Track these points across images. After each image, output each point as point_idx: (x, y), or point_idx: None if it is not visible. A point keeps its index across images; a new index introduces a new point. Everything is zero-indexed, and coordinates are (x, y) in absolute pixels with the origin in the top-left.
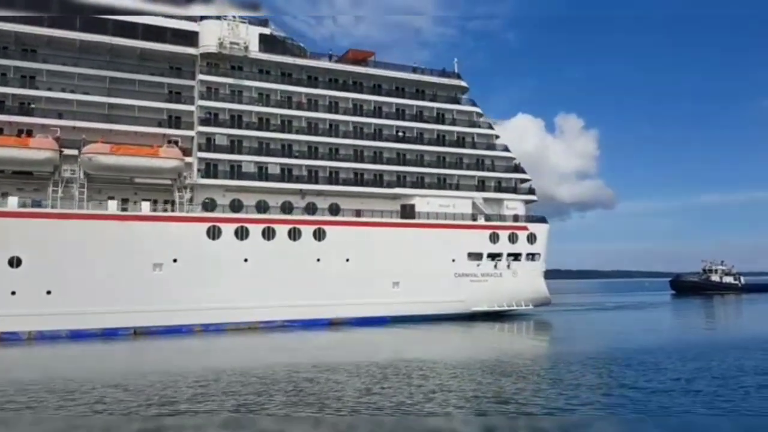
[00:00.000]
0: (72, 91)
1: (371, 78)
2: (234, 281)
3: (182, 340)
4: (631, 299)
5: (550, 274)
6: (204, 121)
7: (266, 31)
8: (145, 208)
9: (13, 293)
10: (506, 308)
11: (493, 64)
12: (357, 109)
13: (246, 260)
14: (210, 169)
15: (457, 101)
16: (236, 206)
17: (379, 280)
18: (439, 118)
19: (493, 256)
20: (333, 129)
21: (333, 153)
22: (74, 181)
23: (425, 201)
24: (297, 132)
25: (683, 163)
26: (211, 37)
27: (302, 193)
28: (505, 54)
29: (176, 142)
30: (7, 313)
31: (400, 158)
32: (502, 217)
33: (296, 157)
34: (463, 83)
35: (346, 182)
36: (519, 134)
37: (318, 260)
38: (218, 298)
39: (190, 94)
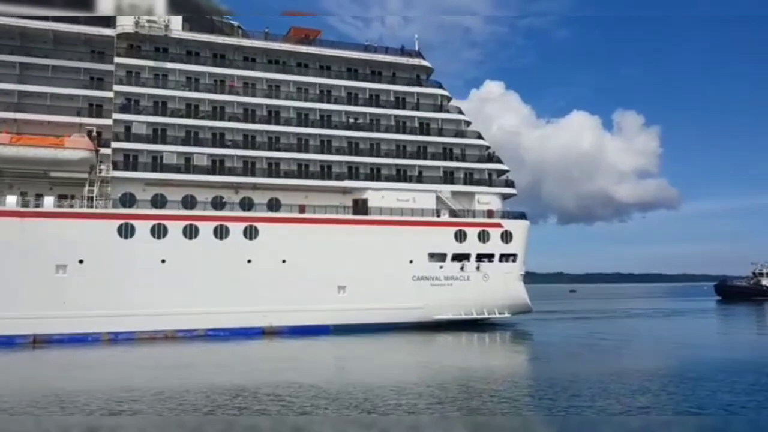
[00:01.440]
0: None
1: (318, 58)
2: (149, 284)
3: (79, 350)
4: (670, 305)
5: (611, 278)
6: (123, 108)
7: None
8: (48, 203)
9: None
10: (475, 316)
11: (545, 61)
12: (301, 93)
13: (164, 261)
14: (129, 161)
15: (420, 84)
16: (159, 202)
17: (320, 283)
18: (399, 102)
19: (460, 257)
20: (273, 115)
21: (273, 142)
22: None
23: (379, 195)
24: (230, 119)
25: (753, 161)
26: (127, 16)
27: (235, 188)
28: (558, 51)
29: (99, 133)
30: None
31: (352, 148)
32: (473, 214)
33: (229, 147)
34: (425, 63)
35: (287, 175)
36: (574, 133)
37: (249, 261)
38: (130, 303)
39: (111, 79)
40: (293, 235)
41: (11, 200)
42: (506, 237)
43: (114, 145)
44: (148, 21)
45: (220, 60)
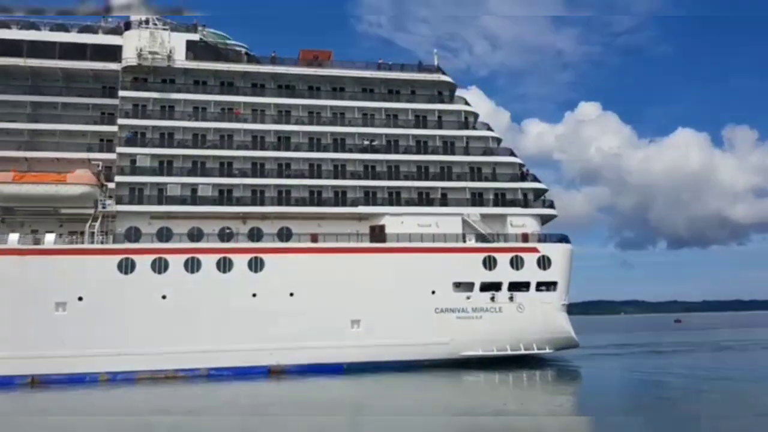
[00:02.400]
0: None
1: (329, 80)
2: (149, 322)
3: (73, 391)
4: (760, 336)
5: (731, 305)
6: (128, 142)
7: (194, 37)
8: (49, 240)
9: None
10: (510, 353)
11: (644, 79)
12: (313, 116)
13: (164, 297)
14: (135, 195)
15: (442, 101)
16: (164, 235)
17: (332, 318)
18: (419, 121)
19: (490, 287)
20: (282, 141)
21: (283, 169)
22: None
23: (398, 220)
24: (238, 147)
25: None
26: (131, 48)
27: (243, 218)
28: (657, 67)
29: (108, 167)
30: None
31: (368, 171)
32: (504, 238)
33: (236, 176)
34: (446, 78)
35: (298, 202)
36: (680, 152)
37: (254, 295)
38: (129, 341)
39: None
40: (301, 266)
41: (13, 238)
42: (544, 263)
43: (117, 179)
44: (151, 52)
45: (228, 88)
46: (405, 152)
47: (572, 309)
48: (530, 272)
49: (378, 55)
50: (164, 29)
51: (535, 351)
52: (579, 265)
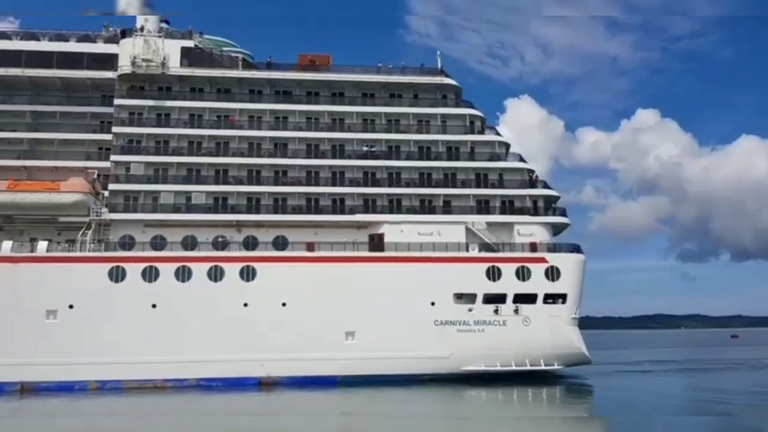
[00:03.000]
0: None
1: (328, 85)
2: (138, 330)
3: (60, 399)
4: None
5: None
6: (122, 150)
7: (189, 43)
8: (41, 248)
9: None
10: (515, 368)
11: (705, 85)
12: (311, 122)
13: (154, 306)
14: (130, 203)
15: (446, 105)
16: (158, 244)
17: (325, 329)
18: (422, 126)
19: (494, 299)
20: (279, 148)
21: (279, 176)
22: None
23: (398, 228)
24: (234, 154)
25: None
26: (126, 57)
27: (238, 226)
28: (720, 73)
29: (106, 176)
30: None
31: (368, 178)
32: (511, 247)
33: (231, 184)
34: (450, 81)
35: (295, 210)
36: (744, 160)
37: (245, 305)
38: (118, 350)
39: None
40: (294, 275)
41: (6, 246)
42: (552, 274)
43: (111, 186)
44: (144, 60)
45: (225, 95)
46: (407, 158)
47: (630, 323)
48: (537, 284)
49: (427, 66)
50: (159, 36)
51: (542, 367)
52: (636, 278)
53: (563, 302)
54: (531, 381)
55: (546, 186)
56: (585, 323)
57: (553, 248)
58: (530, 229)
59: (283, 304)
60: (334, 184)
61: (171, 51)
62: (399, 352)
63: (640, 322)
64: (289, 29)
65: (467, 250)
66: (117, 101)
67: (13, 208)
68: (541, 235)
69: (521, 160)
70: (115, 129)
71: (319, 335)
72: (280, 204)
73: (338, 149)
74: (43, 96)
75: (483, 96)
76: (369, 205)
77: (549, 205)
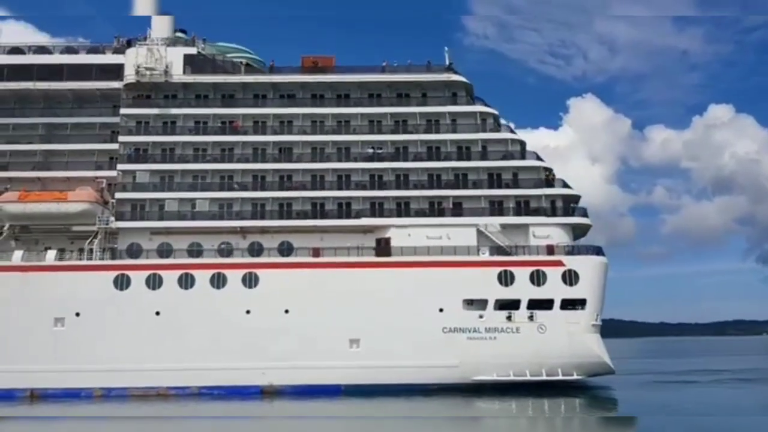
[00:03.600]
0: (16, 142)
1: (333, 87)
2: (142, 338)
3: (64, 406)
4: None
5: None
6: (128, 158)
7: (192, 50)
8: (50, 257)
9: None
10: (529, 378)
11: None
12: (316, 126)
13: (158, 313)
14: (137, 211)
15: (456, 103)
16: (165, 251)
17: (329, 336)
18: (431, 126)
19: (507, 305)
20: (284, 153)
21: (284, 181)
22: None
23: (405, 232)
24: (238, 160)
25: None
26: (131, 66)
27: (242, 232)
28: None
29: (115, 184)
30: None
31: (375, 181)
32: (527, 250)
33: (235, 190)
34: (459, 78)
35: (300, 215)
36: None
37: (247, 312)
38: (123, 357)
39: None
40: (297, 281)
41: (17, 255)
42: (570, 278)
43: (117, 195)
44: (147, 68)
45: (229, 100)
46: (415, 159)
47: (707, 330)
48: (554, 288)
49: (486, 67)
50: (161, 45)
51: (560, 377)
52: (713, 282)
53: (582, 308)
54: (550, 392)
55: (565, 185)
56: (660, 330)
57: (572, 250)
58: (546, 231)
59: (286, 311)
60: (339, 188)
61: (174, 59)
62: (405, 360)
63: (718, 328)
64: (336, 33)
65: (477, 254)
66: (123, 110)
67: (24, 218)
68: (559, 237)
69: (537, 158)
70: (121, 138)
71: (322, 343)
72: (285, 209)
73: (344, 152)
74: (55, 108)
75: (545, 96)
76: (376, 208)
77: (568, 206)
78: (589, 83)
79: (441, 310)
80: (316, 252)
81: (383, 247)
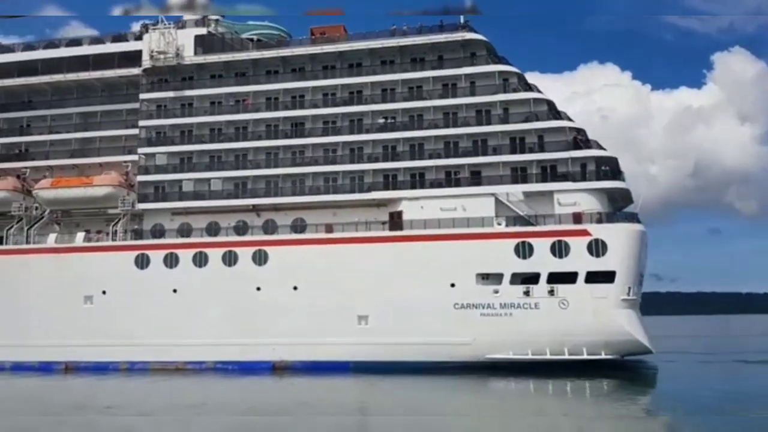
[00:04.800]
0: (55, 132)
1: (343, 57)
2: (161, 314)
3: (89, 378)
4: None
5: None
6: (149, 142)
7: (202, 31)
8: (79, 239)
9: None
10: (549, 357)
11: None
12: (328, 98)
13: (175, 291)
14: (159, 193)
15: (474, 63)
16: (185, 231)
17: (337, 312)
18: (447, 90)
19: (524, 279)
20: (296, 128)
21: (296, 157)
22: (28, 218)
23: (417, 205)
24: (252, 138)
25: None
26: (147, 51)
27: (257, 210)
28: None
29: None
30: None
31: (388, 152)
32: (554, 219)
33: (248, 168)
34: (475, 36)
35: (312, 191)
36: None
37: (258, 289)
38: (144, 333)
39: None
40: (305, 258)
41: (51, 238)
42: (596, 248)
43: (139, 178)
44: (159, 52)
45: (241, 78)
46: (429, 127)
47: None
48: (578, 260)
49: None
50: (172, 28)
51: (585, 356)
52: None
53: (610, 281)
54: (578, 372)
55: (598, 146)
56: None
57: (600, 218)
58: (573, 198)
59: (294, 288)
60: (352, 162)
61: (185, 41)
62: (415, 337)
63: None
64: None
65: (493, 225)
66: (142, 95)
67: (57, 203)
68: (588, 205)
69: (566, 118)
70: (141, 122)
71: (329, 319)
72: (297, 186)
73: (356, 124)
74: (89, 97)
75: (685, 53)
76: (389, 181)
77: (602, 169)
78: (737, 35)
79: (453, 285)
80: (329, 228)
81: (395, 221)
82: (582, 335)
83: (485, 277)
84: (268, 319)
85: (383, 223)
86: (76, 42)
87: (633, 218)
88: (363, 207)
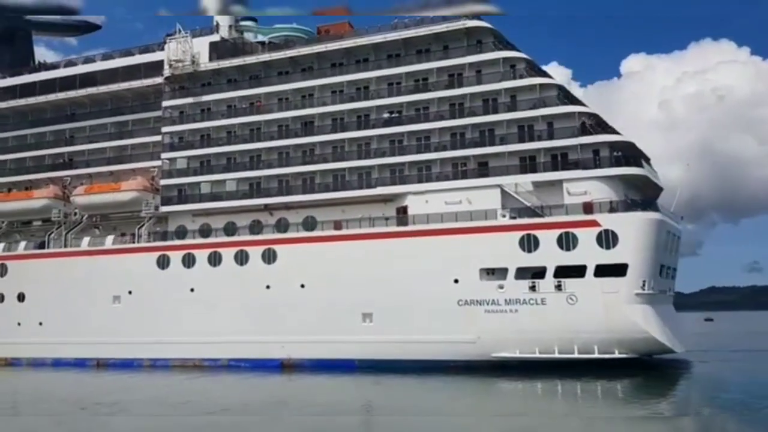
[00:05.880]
0: (94, 141)
1: (349, 53)
2: (181, 313)
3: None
4: None
5: None
6: (172, 147)
7: (215, 38)
8: (108, 242)
9: (19, 324)
10: (557, 356)
11: None
12: (336, 95)
13: (192, 290)
14: (182, 196)
15: (481, 51)
16: (205, 231)
17: (342, 310)
18: (453, 80)
19: (530, 273)
20: (306, 126)
21: (306, 155)
22: (68, 223)
23: (422, 199)
24: (264, 139)
25: None
26: (167, 61)
27: (269, 209)
28: None
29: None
30: (12, 342)
31: (395, 147)
32: (565, 209)
33: (262, 168)
34: (479, 23)
35: (321, 188)
36: None
37: (267, 287)
38: (165, 331)
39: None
40: (310, 256)
41: (85, 241)
42: (607, 240)
43: (162, 182)
44: (176, 61)
45: (254, 81)
46: (435, 119)
47: None
48: (586, 253)
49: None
50: (188, 36)
51: (596, 355)
52: None
53: (622, 275)
54: (595, 372)
55: (613, 131)
56: None
57: (611, 206)
58: (582, 186)
59: (302, 286)
60: (359, 157)
61: (200, 48)
62: (419, 336)
63: None
64: None
65: (496, 218)
66: (164, 103)
67: (91, 208)
68: (601, 194)
69: (577, 102)
70: (163, 128)
71: (335, 317)
72: (307, 184)
73: (363, 120)
74: (122, 107)
75: None
76: (396, 176)
77: (614, 156)
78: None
79: (456, 281)
80: (338, 225)
81: (401, 217)
82: (592, 332)
83: (489, 273)
84: (277, 317)
85: (386, 218)
86: (108, 56)
87: (650, 206)
88: (371, 203)
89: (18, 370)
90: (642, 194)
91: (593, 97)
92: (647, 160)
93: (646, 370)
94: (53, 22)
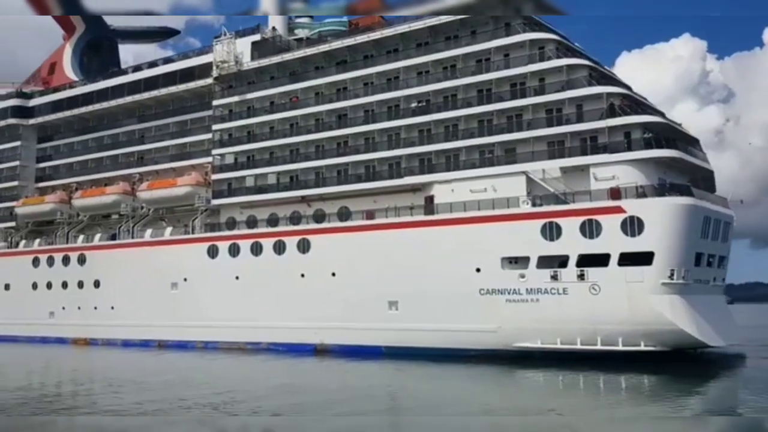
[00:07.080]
0: (159, 140)
1: (380, 44)
2: (227, 299)
3: (171, 354)
4: None
5: None
6: (221, 143)
7: (257, 38)
8: (167, 233)
9: (96, 308)
10: (579, 347)
11: None
12: (368, 87)
13: (237, 278)
14: (230, 189)
15: (509, 34)
16: (251, 222)
17: (369, 298)
18: (481, 66)
19: (552, 262)
20: (340, 120)
21: (340, 147)
22: (136, 216)
23: (448, 188)
24: (303, 132)
25: None
26: (214, 62)
27: (306, 201)
28: None
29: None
30: (91, 324)
31: (423, 136)
32: (584, 196)
33: (300, 161)
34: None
35: (353, 180)
36: None
37: (302, 276)
38: (215, 315)
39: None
40: (340, 245)
41: (148, 233)
42: (633, 227)
43: (213, 177)
44: (222, 62)
45: (293, 77)
46: (462, 106)
47: None
48: (610, 241)
49: None
50: (232, 38)
51: (620, 347)
52: None
53: (648, 263)
54: (630, 366)
55: (647, 110)
56: None
57: (639, 192)
58: (610, 171)
59: (333, 274)
60: (390, 148)
61: (243, 48)
62: (441, 324)
63: None
64: None
65: (518, 205)
66: (214, 102)
67: (153, 202)
68: (631, 178)
69: (611, 81)
70: (213, 126)
71: (363, 305)
72: (342, 175)
73: (393, 110)
74: (183, 107)
75: None
76: (425, 165)
77: (646, 137)
78: None
79: (478, 270)
80: (370, 215)
81: (428, 206)
82: (616, 324)
83: (511, 261)
84: (310, 304)
85: (411, 208)
86: (169, 60)
87: (684, 191)
88: (400, 193)
89: (95, 349)
90: (687, 178)
91: (731, 71)
92: (693, 141)
93: (684, 364)
94: (136, 31)
